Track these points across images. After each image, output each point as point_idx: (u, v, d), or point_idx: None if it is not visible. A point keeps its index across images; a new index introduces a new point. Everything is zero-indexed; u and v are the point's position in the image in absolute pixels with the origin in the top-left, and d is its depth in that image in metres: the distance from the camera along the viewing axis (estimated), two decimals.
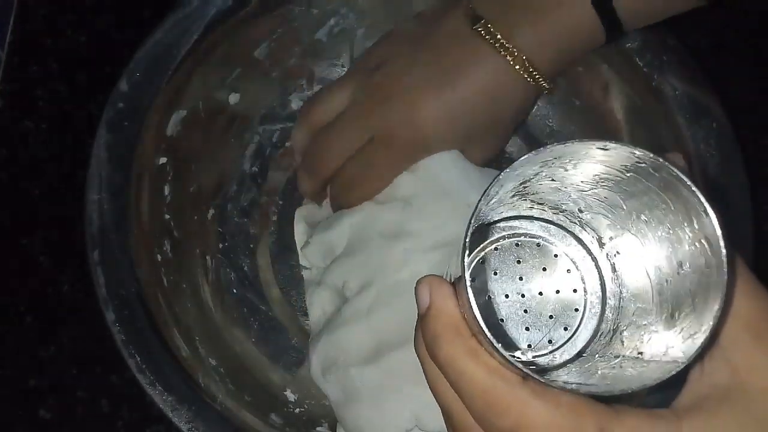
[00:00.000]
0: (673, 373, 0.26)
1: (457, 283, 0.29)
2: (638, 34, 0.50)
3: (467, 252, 0.27)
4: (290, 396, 0.50)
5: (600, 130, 0.54)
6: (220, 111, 0.54)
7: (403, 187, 0.53)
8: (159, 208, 0.50)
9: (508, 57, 0.46)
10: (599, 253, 0.33)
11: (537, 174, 0.29)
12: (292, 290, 0.53)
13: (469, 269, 0.26)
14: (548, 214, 0.33)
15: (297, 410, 0.50)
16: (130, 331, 0.45)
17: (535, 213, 0.33)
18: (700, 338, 0.25)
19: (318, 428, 0.49)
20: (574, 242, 0.33)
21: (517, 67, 0.46)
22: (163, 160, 0.50)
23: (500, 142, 0.52)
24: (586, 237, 0.33)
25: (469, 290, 0.26)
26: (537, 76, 0.47)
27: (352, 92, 0.49)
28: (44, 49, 0.58)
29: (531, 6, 0.46)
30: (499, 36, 0.46)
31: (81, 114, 0.57)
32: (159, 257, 0.49)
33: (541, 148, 0.27)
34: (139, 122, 0.49)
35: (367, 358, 0.47)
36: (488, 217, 0.33)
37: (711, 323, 0.25)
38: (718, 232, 0.26)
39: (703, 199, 0.26)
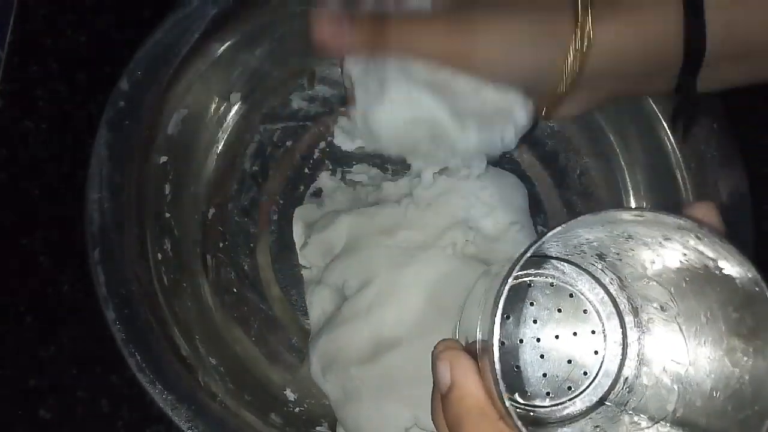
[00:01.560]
0: None
1: (479, 354, 0.26)
2: None
3: (497, 329, 0.24)
4: (290, 395, 0.50)
5: (600, 132, 0.54)
6: (221, 110, 0.54)
7: (402, 186, 0.53)
8: (159, 207, 0.50)
9: (577, 30, 0.37)
10: (619, 293, 0.30)
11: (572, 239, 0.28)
12: (292, 289, 0.53)
13: (497, 346, 0.24)
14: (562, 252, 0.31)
15: (297, 409, 0.50)
16: (130, 330, 0.45)
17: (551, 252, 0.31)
18: None
19: (318, 428, 0.49)
20: (591, 280, 0.31)
21: (571, 48, 0.38)
22: (163, 159, 0.50)
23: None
24: (604, 277, 0.31)
25: (499, 374, 0.24)
26: (567, 72, 0.39)
27: None
28: (44, 48, 0.58)
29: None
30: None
31: (81, 114, 0.57)
32: (159, 256, 0.49)
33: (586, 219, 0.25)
34: (140, 121, 0.49)
35: (367, 357, 0.47)
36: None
37: None
38: None
39: None
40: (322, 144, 0.56)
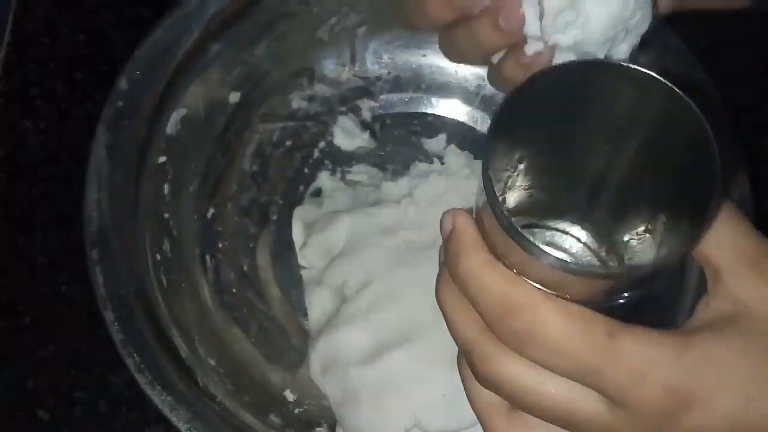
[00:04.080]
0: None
1: (477, 212, 0.29)
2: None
3: (490, 148, 0.27)
4: (289, 396, 0.50)
5: None
6: (220, 110, 0.54)
7: (402, 186, 0.53)
8: (158, 207, 0.50)
9: None
10: None
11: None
12: (291, 290, 0.53)
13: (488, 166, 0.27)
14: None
15: (296, 411, 0.49)
16: (128, 331, 0.45)
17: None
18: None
19: (317, 429, 0.49)
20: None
21: None
22: (162, 159, 0.50)
23: None
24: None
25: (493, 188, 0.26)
26: None
27: None
28: (43, 48, 0.59)
29: None
30: None
31: (79, 113, 0.57)
32: (158, 256, 0.49)
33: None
34: (139, 121, 0.49)
35: (367, 357, 0.47)
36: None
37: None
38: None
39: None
40: (322, 144, 0.56)
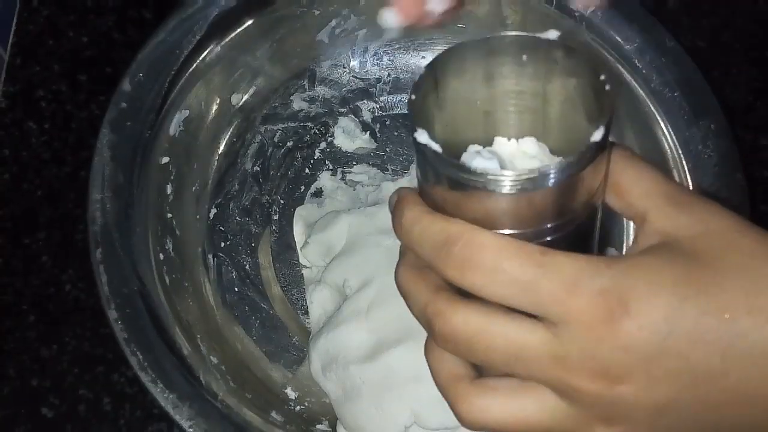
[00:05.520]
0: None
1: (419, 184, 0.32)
2: (637, 36, 0.50)
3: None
4: (291, 394, 0.50)
5: None
6: (223, 111, 0.54)
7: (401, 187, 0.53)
8: (161, 207, 0.50)
9: None
10: None
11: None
12: (293, 289, 0.53)
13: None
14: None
15: (297, 408, 0.50)
16: (131, 329, 0.45)
17: None
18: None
19: (318, 426, 0.49)
20: None
21: None
22: (165, 159, 0.51)
23: None
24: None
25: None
26: None
27: None
28: (47, 49, 0.59)
29: None
30: None
31: (83, 114, 0.57)
32: (161, 256, 0.49)
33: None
34: (142, 122, 0.49)
35: (367, 355, 0.47)
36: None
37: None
38: None
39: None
40: (323, 144, 0.56)
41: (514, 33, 0.30)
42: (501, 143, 0.33)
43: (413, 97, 0.30)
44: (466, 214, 0.29)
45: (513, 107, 0.33)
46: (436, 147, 0.28)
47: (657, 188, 0.31)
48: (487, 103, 0.33)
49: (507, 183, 0.27)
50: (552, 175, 0.27)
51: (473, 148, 0.32)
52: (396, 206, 0.32)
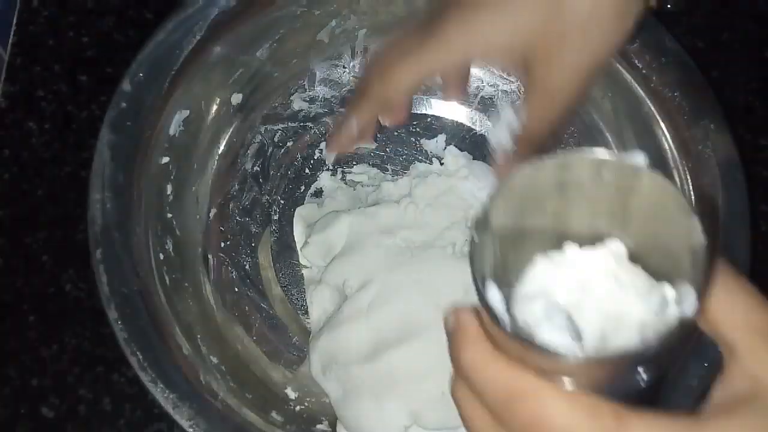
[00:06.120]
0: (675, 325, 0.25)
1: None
2: (637, 36, 0.50)
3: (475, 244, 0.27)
4: (291, 394, 0.50)
5: (598, 133, 0.54)
6: (223, 111, 0.54)
7: (402, 186, 0.54)
8: (161, 207, 0.50)
9: None
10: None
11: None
12: (293, 289, 0.53)
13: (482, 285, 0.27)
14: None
15: (297, 408, 0.50)
16: (132, 329, 0.45)
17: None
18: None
19: (318, 426, 0.49)
20: None
21: None
22: (165, 159, 0.51)
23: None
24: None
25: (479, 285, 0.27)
26: None
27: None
28: (47, 50, 0.59)
29: None
30: None
31: (83, 114, 0.57)
32: (161, 256, 0.49)
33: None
34: (142, 122, 0.49)
35: (367, 355, 0.47)
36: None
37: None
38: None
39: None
40: (323, 144, 0.56)
41: (594, 152, 0.28)
42: (572, 251, 0.30)
43: (475, 238, 0.28)
44: (533, 359, 0.27)
45: (587, 215, 0.30)
46: (505, 316, 0.26)
47: (751, 321, 0.28)
48: (557, 208, 0.30)
49: (581, 360, 0.26)
50: (632, 356, 0.25)
51: (541, 261, 0.29)
52: (455, 337, 0.29)
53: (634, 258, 0.29)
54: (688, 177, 0.50)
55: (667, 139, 0.51)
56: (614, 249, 0.29)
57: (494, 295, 0.27)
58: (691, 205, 0.27)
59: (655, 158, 0.51)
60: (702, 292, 0.26)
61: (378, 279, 0.49)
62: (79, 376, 0.51)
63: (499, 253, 0.29)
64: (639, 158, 0.27)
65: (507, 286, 0.29)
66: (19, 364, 0.52)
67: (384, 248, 0.50)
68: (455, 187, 0.52)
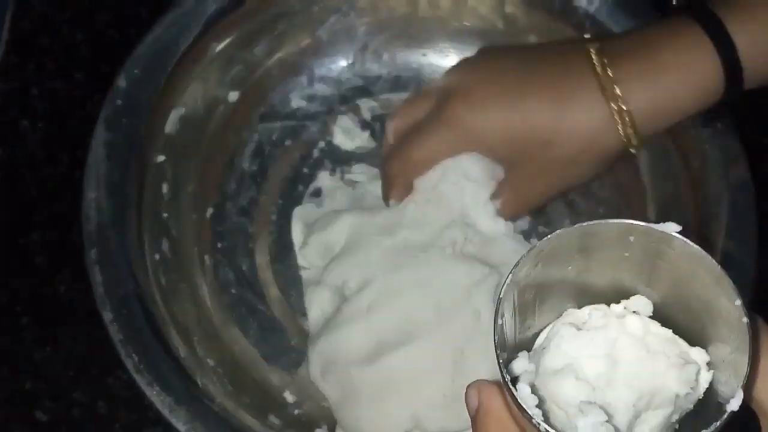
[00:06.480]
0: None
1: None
2: None
3: (498, 342, 0.27)
4: (289, 397, 0.50)
5: None
6: (219, 109, 0.54)
7: None
8: (157, 207, 0.50)
9: (612, 105, 0.44)
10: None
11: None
12: (291, 290, 0.53)
13: (505, 367, 0.27)
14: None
15: (296, 411, 0.49)
16: (127, 331, 0.45)
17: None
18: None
19: (317, 430, 0.49)
20: None
21: (616, 118, 0.45)
22: (161, 158, 0.50)
23: (549, 187, 0.50)
24: None
25: (508, 380, 0.26)
26: (631, 134, 0.45)
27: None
28: (41, 47, 0.59)
29: (654, 61, 0.44)
30: (610, 72, 0.44)
31: (78, 112, 0.57)
32: (157, 256, 0.49)
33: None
34: (138, 120, 0.49)
35: (367, 358, 0.47)
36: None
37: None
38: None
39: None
40: (322, 143, 0.56)
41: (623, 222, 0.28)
42: (598, 314, 0.29)
43: (500, 322, 0.28)
44: None
45: (611, 273, 0.30)
46: (535, 411, 0.26)
47: None
48: (580, 269, 0.30)
49: None
50: None
51: (566, 329, 0.29)
52: (479, 417, 0.29)
53: (658, 316, 0.29)
54: (690, 177, 0.49)
55: (672, 139, 0.50)
56: (640, 304, 0.29)
57: (524, 389, 0.26)
58: (730, 280, 0.27)
59: (661, 158, 0.51)
60: (749, 379, 0.26)
61: (378, 280, 0.49)
62: (73, 378, 0.51)
63: (518, 316, 0.29)
64: (671, 227, 0.27)
65: (527, 345, 0.29)
66: (12, 367, 0.51)
67: (384, 248, 0.50)
68: (455, 187, 0.51)
